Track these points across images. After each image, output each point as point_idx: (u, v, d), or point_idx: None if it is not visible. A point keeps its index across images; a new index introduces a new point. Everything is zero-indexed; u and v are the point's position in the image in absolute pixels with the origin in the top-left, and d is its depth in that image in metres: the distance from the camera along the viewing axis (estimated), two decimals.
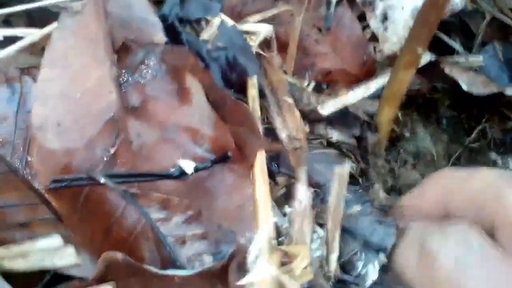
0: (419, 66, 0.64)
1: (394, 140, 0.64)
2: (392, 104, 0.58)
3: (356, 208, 0.48)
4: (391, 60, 0.63)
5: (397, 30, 0.63)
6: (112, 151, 0.47)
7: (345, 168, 0.49)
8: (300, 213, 0.47)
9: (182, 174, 0.46)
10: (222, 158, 0.48)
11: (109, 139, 0.48)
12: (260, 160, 0.48)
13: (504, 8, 0.68)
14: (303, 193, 0.48)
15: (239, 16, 0.62)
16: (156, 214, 0.47)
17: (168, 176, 0.46)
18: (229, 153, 0.48)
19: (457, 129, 0.68)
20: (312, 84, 0.65)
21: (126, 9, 0.50)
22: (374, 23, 0.64)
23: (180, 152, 0.48)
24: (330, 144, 0.60)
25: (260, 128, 0.50)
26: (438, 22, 0.49)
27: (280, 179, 0.53)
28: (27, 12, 0.52)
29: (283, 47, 0.63)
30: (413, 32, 0.51)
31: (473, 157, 0.66)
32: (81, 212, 0.45)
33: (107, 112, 0.48)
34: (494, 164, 0.65)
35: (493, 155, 0.66)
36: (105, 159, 0.47)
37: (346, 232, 0.48)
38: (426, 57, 0.65)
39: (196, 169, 0.46)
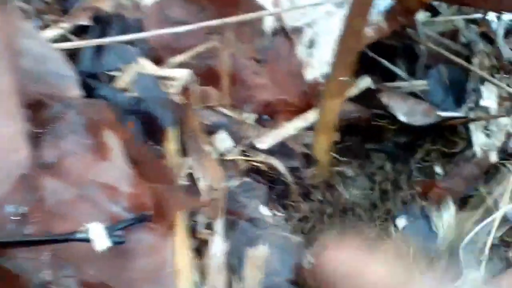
0: (358, 93, 0.63)
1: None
2: (326, 133, 0.58)
3: None
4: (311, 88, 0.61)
5: (322, 55, 0.62)
6: (23, 210, 0.46)
7: (261, 251, 0.48)
8: (215, 268, 0.45)
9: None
10: (140, 218, 0.46)
11: (20, 198, 0.46)
12: (180, 220, 0.47)
13: (432, 36, 0.67)
14: (218, 247, 0.47)
15: (172, 52, 0.61)
16: None
17: (78, 239, 0.44)
18: (148, 212, 0.46)
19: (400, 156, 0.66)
20: (253, 116, 0.63)
21: (41, 64, 0.49)
22: (300, 49, 0.64)
23: (97, 211, 0.47)
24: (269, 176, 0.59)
25: (181, 183, 0.48)
26: (358, 50, 0.49)
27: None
28: None
29: (218, 80, 0.62)
30: (335, 61, 0.50)
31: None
32: None
33: (18, 169, 0.47)
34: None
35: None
36: (16, 218, 0.45)
37: None
38: (365, 83, 0.64)
39: (110, 230, 0.44)
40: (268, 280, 0.47)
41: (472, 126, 0.62)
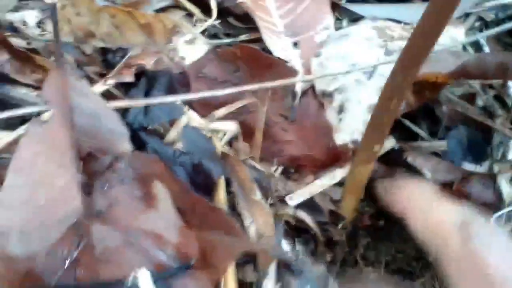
0: (382, 153, 0.66)
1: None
2: (354, 194, 0.61)
3: None
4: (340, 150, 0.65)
5: (352, 122, 0.65)
6: (74, 255, 0.48)
7: None
8: None
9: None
10: (185, 266, 0.48)
11: (71, 244, 0.49)
12: (232, 268, 0.50)
13: (451, 99, 0.71)
14: None
15: (208, 107, 0.64)
16: None
17: (128, 287, 0.46)
18: (193, 261, 0.49)
19: None
20: (280, 169, 0.66)
21: (94, 119, 0.52)
22: (330, 114, 0.66)
23: (143, 258, 0.49)
24: (299, 228, 0.61)
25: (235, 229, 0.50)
26: (391, 124, 0.51)
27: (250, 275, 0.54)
28: None
29: (251, 135, 0.65)
30: (368, 132, 0.53)
31: None
32: None
33: (70, 218, 0.50)
34: None
35: None
36: (66, 263, 0.48)
37: None
38: (390, 143, 0.67)
39: (156, 278, 0.46)
40: None
41: (500, 179, 0.64)
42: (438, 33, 0.39)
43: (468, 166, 0.69)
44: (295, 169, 0.68)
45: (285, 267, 0.53)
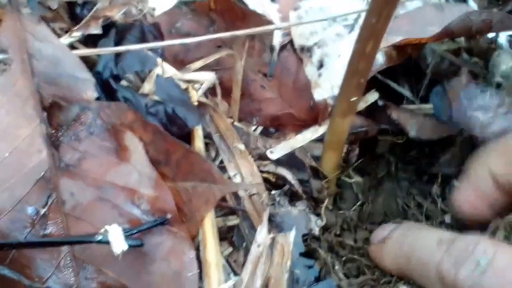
0: (365, 107, 0.64)
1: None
2: (335, 150, 0.59)
3: None
4: (320, 106, 0.63)
5: (331, 77, 0.63)
6: (42, 211, 0.46)
7: (290, 235, 0.48)
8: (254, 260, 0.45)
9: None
10: (160, 221, 0.46)
11: (39, 199, 0.47)
12: (210, 216, 0.48)
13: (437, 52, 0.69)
14: (263, 237, 0.48)
15: (181, 63, 0.62)
16: None
17: (97, 242, 0.44)
18: (169, 215, 0.47)
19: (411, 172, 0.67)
20: (260, 128, 0.64)
21: (55, 66, 0.50)
22: (309, 69, 0.64)
23: (116, 214, 0.47)
24: (278, 185, 0.59)
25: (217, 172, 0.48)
26: (368, 71, 0.49)
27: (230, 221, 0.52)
28: None
29: (228, 93, 0.64)
30: (345, 82, 0.51)
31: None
32: None
33: (37, 171, 0.47)
34: None
35: None
36: (34, 220, 0.45)
37: None
38: (373, 97, 0.66)
39: (128, 234, 0.44)
40: None
41: None
42: None
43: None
44: (275, 128, 0.66)
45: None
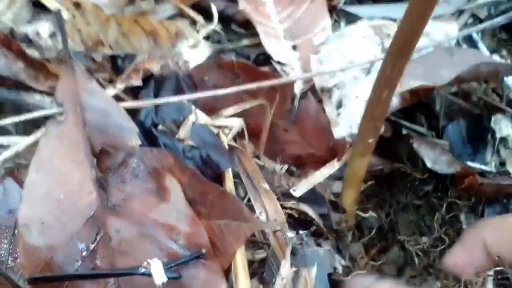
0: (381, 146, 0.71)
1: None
2: (353, 187, 0.65)
3: None
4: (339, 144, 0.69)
5: (349, 116, 0.70)
6: (92, 247, 0.53)
7: (313, 270, 0.54)
8: None
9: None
10: (195, 255, 0.53)
11: (89, 235, 0.54)
12: (241, 251, 0.54)
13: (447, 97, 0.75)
14: (286, 271, 0.53)
15: (211, 111, 0.69)
16: None
17: (140, 274, 0.50)
18: (203, 250, 0.53)
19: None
20: (284, 167, 0.70)
21: (104, 117, 0.58)
22: (329, 109, 0.71)
23: (157, 248, 0.54)
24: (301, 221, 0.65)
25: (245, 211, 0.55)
26: (383, 116, 0.56)
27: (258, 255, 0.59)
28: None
29: (254, 136, 0.70)
30: (362, 125, 0.58)
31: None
32: None
33: (88, 211, 0.55)
34: None
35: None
36: (84, 254, 0.52)
37: None
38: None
39: (167, 267, 0.51)
40: None
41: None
42: (421, 27, 0.44)
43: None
44: (297, 167, 0.72)
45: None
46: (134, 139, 0.57)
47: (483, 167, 0.70)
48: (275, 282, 0.53)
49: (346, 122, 0.69)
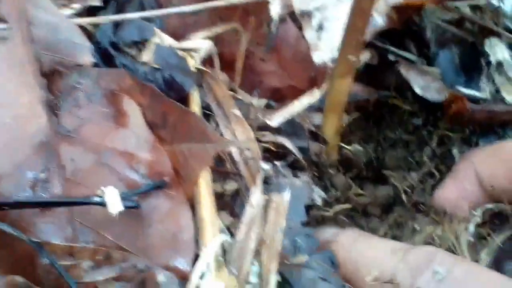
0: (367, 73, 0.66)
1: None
2: (335, 113, 0.60)
3: (302, 258, 0.48)
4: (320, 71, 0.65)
5: (330, 40, 0.65)
6: (42, 176, 0.48)
7: (285, 196, 0.49)
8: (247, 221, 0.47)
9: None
10: (157, 184, 0.48)
11: (40, 164, 0.49)
12: (205, 176, 0.50)
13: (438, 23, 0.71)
14: (257, 198, 0.49)
15: (181, 37, 0.63)
16: (63, 261, 0.46)
17: (93, 203, 0.46)
18: (166, 178, 0.49)
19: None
20: (263, 101, 0.66)
21: (53, 33, 0.53)
22: (309, 33, 0.66)
23: (115, 178, 0.49)
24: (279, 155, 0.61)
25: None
26: (365, 27, 0.52)
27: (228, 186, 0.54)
28: None
29: (229, 67, 0.65)
30: (344, 41, 0.53)
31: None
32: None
33: (37, 137, 0.49)
34: None
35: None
36: (34, 184, 0.48)
37: (285, 281, 0.47)
38: (365, 57, 0.68)
39: (126, 196, 0.46)
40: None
41: None
42: None
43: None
44: (277, 101, 0.67)
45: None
46: (86, 56, 0.52)
47: (477, 94, 0.65)
48: (245, 211, 0.48)
49: (327, 46, 0.65)
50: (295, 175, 0.58)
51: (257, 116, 0.63)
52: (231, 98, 0.58)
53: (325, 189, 0.61)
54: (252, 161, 0.53)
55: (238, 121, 0.56)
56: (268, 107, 0.67)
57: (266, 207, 0.49)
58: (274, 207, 0.49)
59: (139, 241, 0.48)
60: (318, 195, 0.57)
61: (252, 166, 0.53)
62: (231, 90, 0.65)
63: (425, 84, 0.65)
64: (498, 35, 0.69)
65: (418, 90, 0.64)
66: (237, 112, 0.56)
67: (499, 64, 0.66)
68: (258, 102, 0.66)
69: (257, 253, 0.47)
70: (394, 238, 0.59)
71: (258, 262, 0.46)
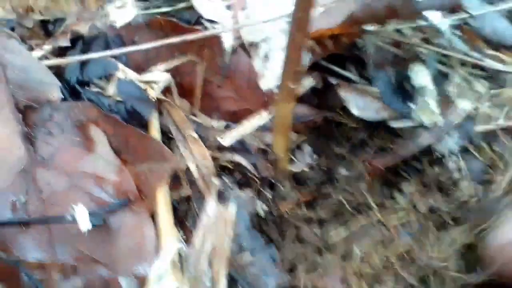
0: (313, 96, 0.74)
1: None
2: (282, 134, 0.69)
3: (247, 258, 0.57)
4: (269, 97, 0.73)
5: (275, 68, 0.73)
6: (23, 199, 0.56)
7: (231, 207, 0.58)
8: (203, 231, 0.56)
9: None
10: (123, 202, 0.57)
11: (20, 188, 0.57)
12: (163, 191, 0.58)
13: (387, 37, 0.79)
14: (212, 208, 0.57)
15: (144, 69, 0.72)
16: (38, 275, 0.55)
17: (65, 221, 0.54)
18: (131, 197, 0.58)
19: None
20: (222, 123, 0.74)
21: (25, 73, 0.61)
22: (257, 62, 0.75)
23: (88, 198, 0.58)
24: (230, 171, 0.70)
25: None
26: (300, 59, 0.59)
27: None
28: None
29: (190, 94, 0.74)
30: (284, 70, 0.61)
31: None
32: None
33: (17, 165, 0.58)
34: None
35: None
36: (16, 206, 0.56)
37: (232, 279, 0.56)
38: (309, 82, 0.75)
39: (96, 214, 0.55)
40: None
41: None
42: None
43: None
44: (235, 123, 0.76)
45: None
46: (55, 93, 0.60)
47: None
48: (201, 220, 0.56)
49: (272, 74, 0.73)
50: (242, 190, 0.66)
51: (215, 137, 0.71)
52: (188, 122, 0.66)
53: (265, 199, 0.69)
54: (207, 176, 0.62)
55: (195, 142, 0.65)
56: (227, 128, 0.75)
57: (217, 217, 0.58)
58: (223, 217, 0.57)
59: (110, 253, 0.57)
60: (261, 207, 0.65)
61: (207, 180, 0.62)
62: (193, 115, 0.73)
63: (364, 104, 0.73)
64: (420, 59, 0.77)
65: (355, 111, 0.72)
66: (194, 134, 0.65)
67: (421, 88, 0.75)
68: (218, 124, 0.75)
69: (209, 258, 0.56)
70: None
71: (210, 266, 0.55)
